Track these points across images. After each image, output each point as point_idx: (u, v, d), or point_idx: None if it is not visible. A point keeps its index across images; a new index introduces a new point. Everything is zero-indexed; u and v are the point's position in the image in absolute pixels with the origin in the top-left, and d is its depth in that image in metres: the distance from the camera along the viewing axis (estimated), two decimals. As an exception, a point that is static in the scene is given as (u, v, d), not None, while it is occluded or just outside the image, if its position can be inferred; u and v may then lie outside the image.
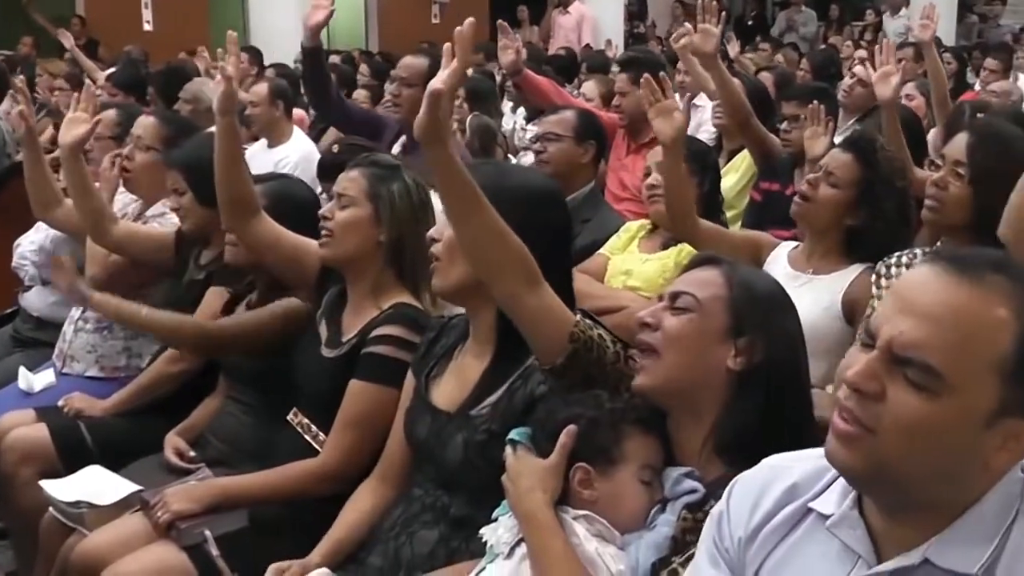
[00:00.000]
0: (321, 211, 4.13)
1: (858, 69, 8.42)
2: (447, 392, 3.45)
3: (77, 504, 4.23)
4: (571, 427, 2.86)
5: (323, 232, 4.06)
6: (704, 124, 8.73)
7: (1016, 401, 1.90)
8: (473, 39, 2.94)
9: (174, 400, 4.90)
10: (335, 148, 6.49)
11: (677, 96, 8.51)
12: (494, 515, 2.99)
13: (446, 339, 3.60)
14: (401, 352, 3.82)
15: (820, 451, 2.19)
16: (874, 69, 5.99)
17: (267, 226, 4.38)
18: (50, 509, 4.37)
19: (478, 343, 3.43)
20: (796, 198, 4.78)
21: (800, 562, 2.14)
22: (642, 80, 4.82)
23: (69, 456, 4.74)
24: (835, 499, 2.11)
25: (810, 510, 2.16)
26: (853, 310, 4.50)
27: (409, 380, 3.65)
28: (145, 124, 5.82)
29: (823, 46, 18.37)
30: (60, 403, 5.09)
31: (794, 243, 4.92)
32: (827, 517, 2.11)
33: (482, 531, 3.01)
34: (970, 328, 1.89)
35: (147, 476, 4.41)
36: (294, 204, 4.61)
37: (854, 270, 4.60)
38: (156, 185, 5.61)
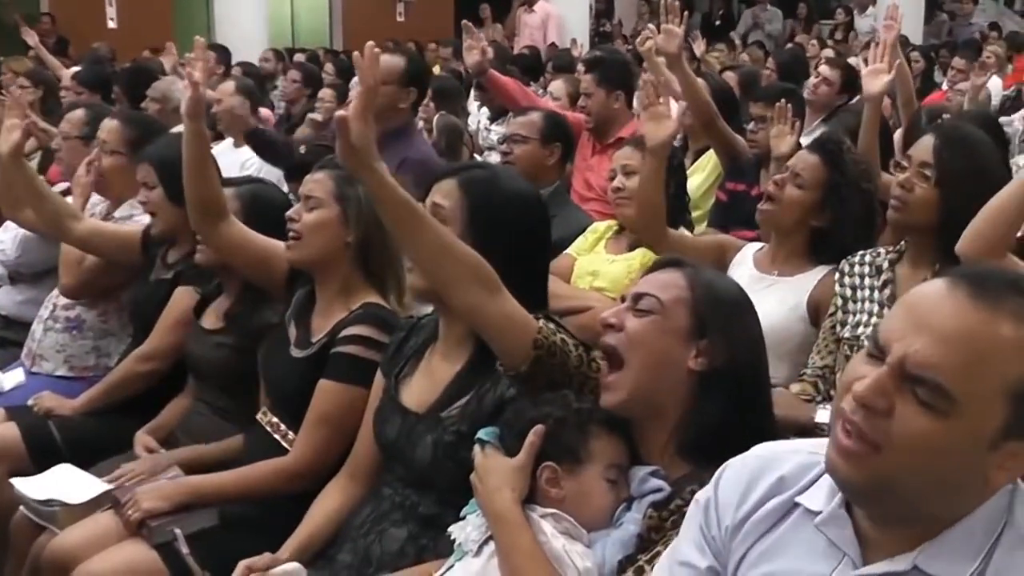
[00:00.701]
0: (288, 213, 4.16)
1: (823, 68, 8.43)
2: (417, 393, 3.49)
3: (49, 502, 4.25)
4: (539, 427, 2.90)
5: (290, 234, 4.10)
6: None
7: (1021, 423, 1.89)
8: (377, 63, 3.00)
9: (143, 399, 4.91)
10: (302, 149, 6.52)
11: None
12: (462, 513, 3.04)
13: (415, 339, 3.64)
14: (370, 352, 3.87)
15: (811, 443, 2.22)
16: (865, 64, 6.01)
17: (235, 229, 4.39)
18: (20, 508, 4.38)
19: (448, 345, 3.47)
20: (763, 199, 4.82)
21: (784, 556, 2.15)
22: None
23: (39, 455, 4.75)
24: (823, 496, 2.12)
25: (797, 504, 2.17)
26: (818, 311, 4.55)
27: (378, 380, 3.69)
28: (109, 128, 5.80)
29: (790, 45, 18.37)
30: (30, 402, 5.11)
31: (759, 244, 4.96)
32: (814, 513, 2.12)
33: (450, 529, 3.05)
34: (984, 351, 1.88)
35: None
36: (266, 207, 4.61)
37: (819, 272, 4.64)
38: (125, 187, 5.64)
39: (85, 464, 4.54)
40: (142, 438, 4.64)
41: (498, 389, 3.28)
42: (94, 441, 4.79)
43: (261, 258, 4.41)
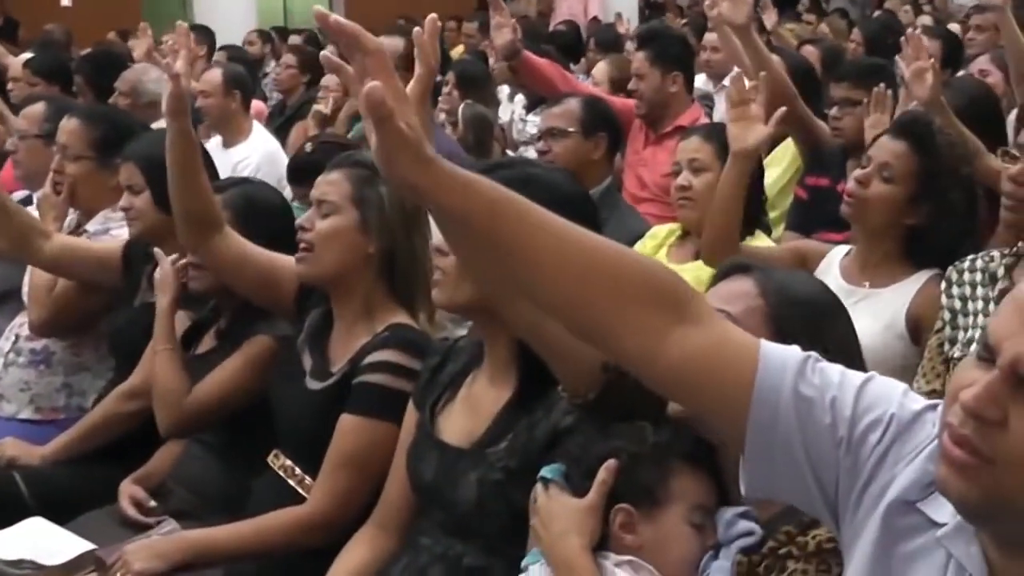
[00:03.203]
0: (298, 221, 4.14)
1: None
2: (458, 426, 3.51)
3: (19, 563, 4.22)
4: (611, 462, 2.92)
5: (301, 246, 4.08)
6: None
7: None
8: (437, 39, 3.03)
9: (127, 443, 4.92)
10: (309, 147, 6.51)
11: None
12: (524, 564, 3.04)
13: (453, 365, 3.66)
14: (400, 381, 3.87)
15: None
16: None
17: (232, 243, 4.36)
18: (-17, 568, 4.40)
19: (494, 368, 3.48)
20: (845, 197, 4.77)
21: (903, 563, 2.15)
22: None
23: (2, 514, 4.69)
24: (949, 506, 2.07)
25: (918, 509, 2.15)
26: (919, 327, 4.50)
27: (410, 413, 3.71)
28: (69, 129, 5.71)
29: (877, 12, 18.21)
30: (-12, 451, 5.12)
31: (845, 248, 4.92)
32: (936, 524, 2.11)
33: (511, 582, 3.08)
34: None
35: (99, 531, 4.41)
36: (262, 211, 4.66)
37: (918, 279, 4.60)
38: (97, 196, 5.66)
39: (59, 521, 4.51)
40: (128, 488, 4.64)
41: (552, 416, 3.28)
42: (69, 494, 4.81)
43: (266, 275, 4.39)
